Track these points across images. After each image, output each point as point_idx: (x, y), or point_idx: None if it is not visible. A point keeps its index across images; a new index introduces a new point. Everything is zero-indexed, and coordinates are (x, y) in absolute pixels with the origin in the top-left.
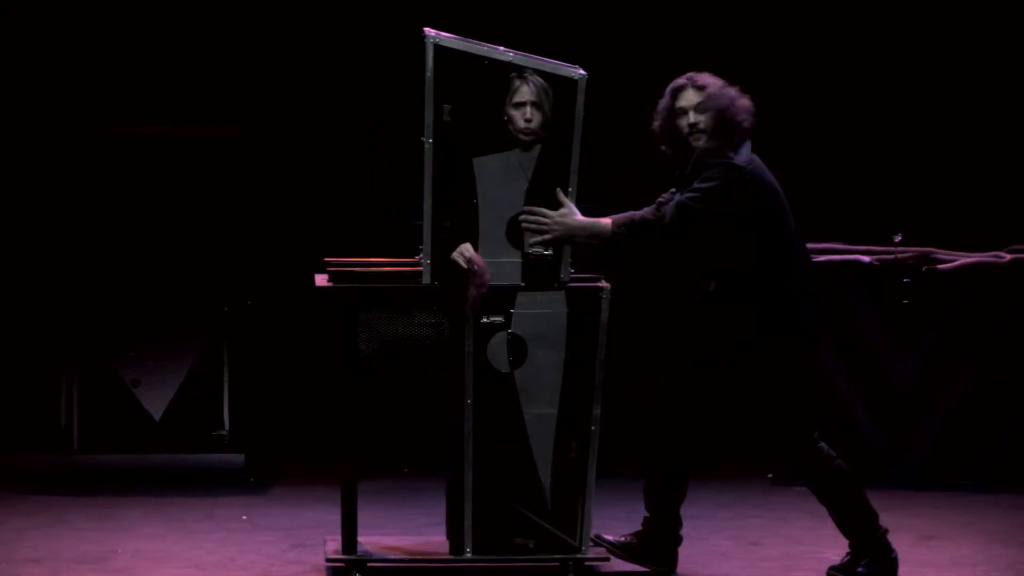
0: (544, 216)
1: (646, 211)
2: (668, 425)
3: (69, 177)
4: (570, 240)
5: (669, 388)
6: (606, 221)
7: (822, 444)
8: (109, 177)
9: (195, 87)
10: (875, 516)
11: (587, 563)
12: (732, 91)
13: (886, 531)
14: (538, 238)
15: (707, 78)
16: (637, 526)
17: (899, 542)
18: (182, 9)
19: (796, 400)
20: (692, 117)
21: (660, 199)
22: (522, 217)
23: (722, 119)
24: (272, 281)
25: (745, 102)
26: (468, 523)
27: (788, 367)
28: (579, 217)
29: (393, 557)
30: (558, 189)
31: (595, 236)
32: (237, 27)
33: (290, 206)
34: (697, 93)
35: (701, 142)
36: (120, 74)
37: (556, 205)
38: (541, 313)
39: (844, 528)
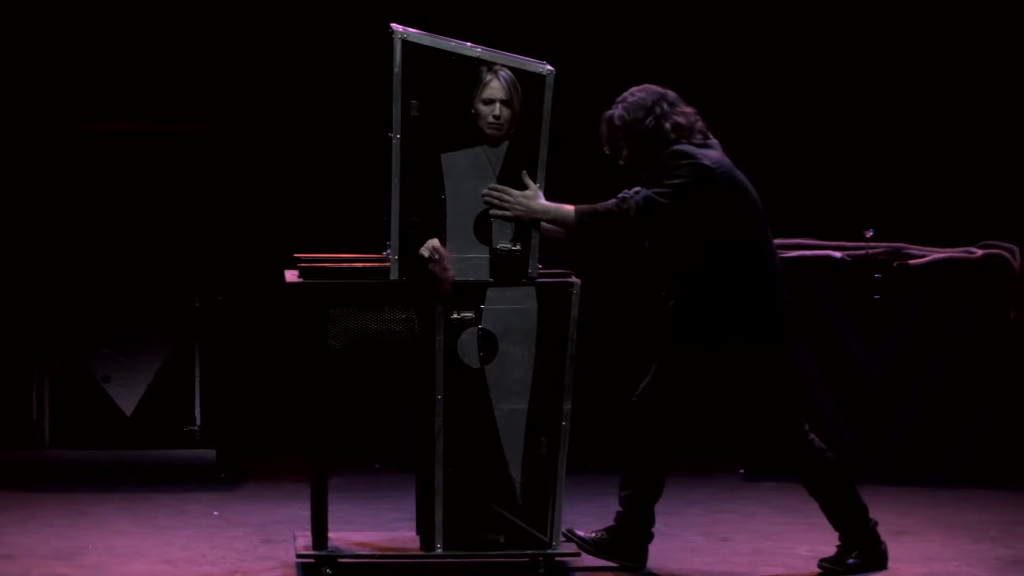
0: (508, 195)
1: (610, 203)
2: (644, 423)
3: (40, 172)
4: (531, 222)
5: (644, 387)
6: (569, 208)
7: (812, 437)
8: (81, 172)
9: (168, 83)
10: (865, 509)
11: (558, 558)
12: (641, 114)
13: (876, 523)
14: (498, 212)
15: (616, 110)
16: (608, 521)
17: None
18: (155, 5)
19: (774, 395)
20: (619, 154)
21: (622, 193)
22: (485, 192)
23: (640, 144)
24: (243, 276)
25: (668, 120)
26: (439, 519)
27: (761, 363)
28: (543, 201)
29: (363, 553)
30: (524, 172)
31: (557, 222)
32: (214, 25)
33: (262, 201)
34: (610, 129)
35: (634, 165)
36: (93, 69)
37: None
38: (511, 309)
39: (835, 520)
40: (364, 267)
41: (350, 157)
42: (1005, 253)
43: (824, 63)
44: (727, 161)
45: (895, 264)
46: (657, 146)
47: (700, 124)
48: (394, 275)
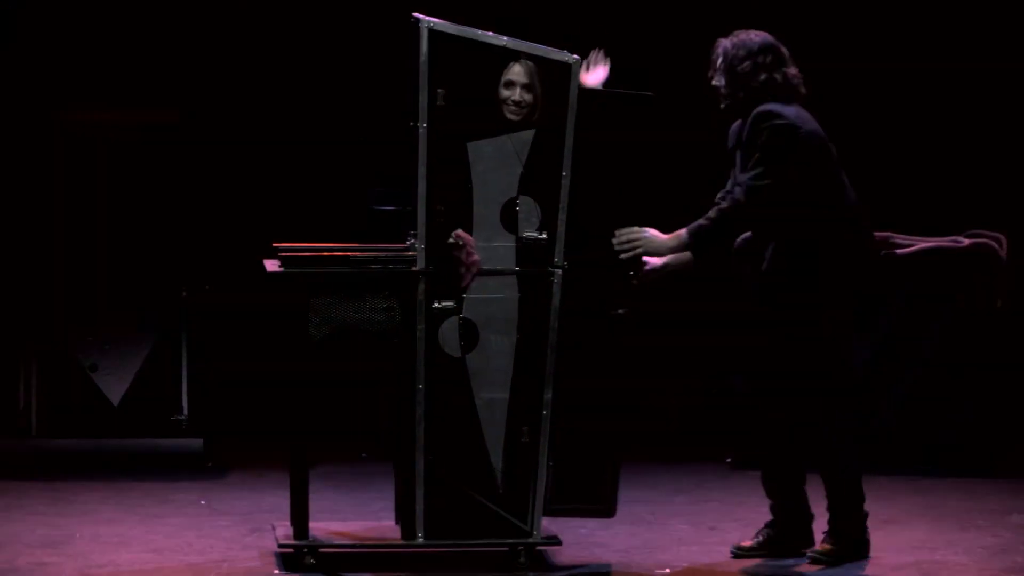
0: (635, 234)
1: (714, 213)
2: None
3: (24, 162)
4: (657, 254)
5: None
6: (683, 233)
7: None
8: (67, 162)
9: (152, 71)
10: (863, 499)
11: (538, 547)
12: (743, 54)
13: (867, 514)
14: (629, 255)
15: (728, 41)
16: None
17: None
18: None
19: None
20: (714, 81)
21: (719, 197)
22: (615, 239)
23: (731, 83)
24: (230, 265)
25: (765, 72)
26: (420, 508)
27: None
28: (661, 235)
29: (344, 543)
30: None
31: (678, 249)
32: (197, 13)
33: (249, 191)
34: (720, 57)
35: (723, 105)
36: (70, 58)
37: (551, 191)
38: (493, 298)
39: (835, 508)
40: (345, 256)
41: (333, 146)
42: (992, 242)
43: (812, 49)
44: (810, 117)
45: (881, 253)
46: (746, 94)
47: (801, 89)
48: (420, 264)
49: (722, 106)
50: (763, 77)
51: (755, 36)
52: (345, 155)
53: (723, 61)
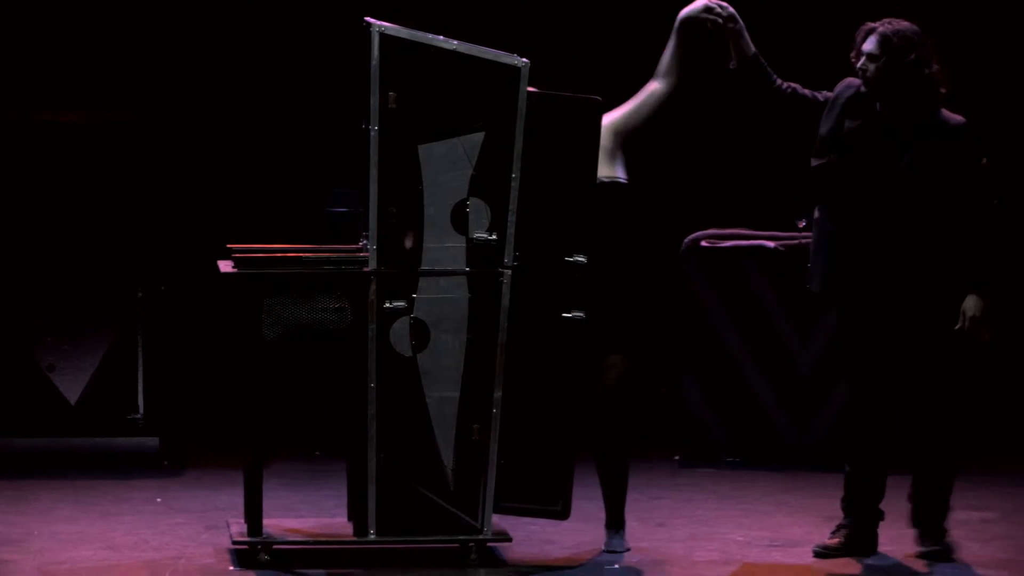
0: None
1: (785, 84)
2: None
3: None
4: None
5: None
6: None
7: None
8: (22, 160)
9: (105, 70)
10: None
11: (489, 543)
12: (905, 43)
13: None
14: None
15: (886, 27)
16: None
17: (802, 523)
18: None
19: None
20: (860, 65)
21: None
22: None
23: (893, 72)
24: (186, 266)
25: (928, 67)
26: (372, 505)
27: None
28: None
29: (296, 539)
30: None
31: (747, 48)
32: (151, 10)
33: (206, 190)
34: (871, 48)
35: (867, 89)
36: (33, 56)
37: (504, 193)
38: (443, 298)
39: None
40: (298, 257)
41: (290, 146)
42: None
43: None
44: None
45: (702, 244)
46: (908, 85)
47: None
48: (372, 265)
49: (863, 90)
50: (927, 71)
51: (912, 26)
52: (306, 156)
53: (883, 50)
